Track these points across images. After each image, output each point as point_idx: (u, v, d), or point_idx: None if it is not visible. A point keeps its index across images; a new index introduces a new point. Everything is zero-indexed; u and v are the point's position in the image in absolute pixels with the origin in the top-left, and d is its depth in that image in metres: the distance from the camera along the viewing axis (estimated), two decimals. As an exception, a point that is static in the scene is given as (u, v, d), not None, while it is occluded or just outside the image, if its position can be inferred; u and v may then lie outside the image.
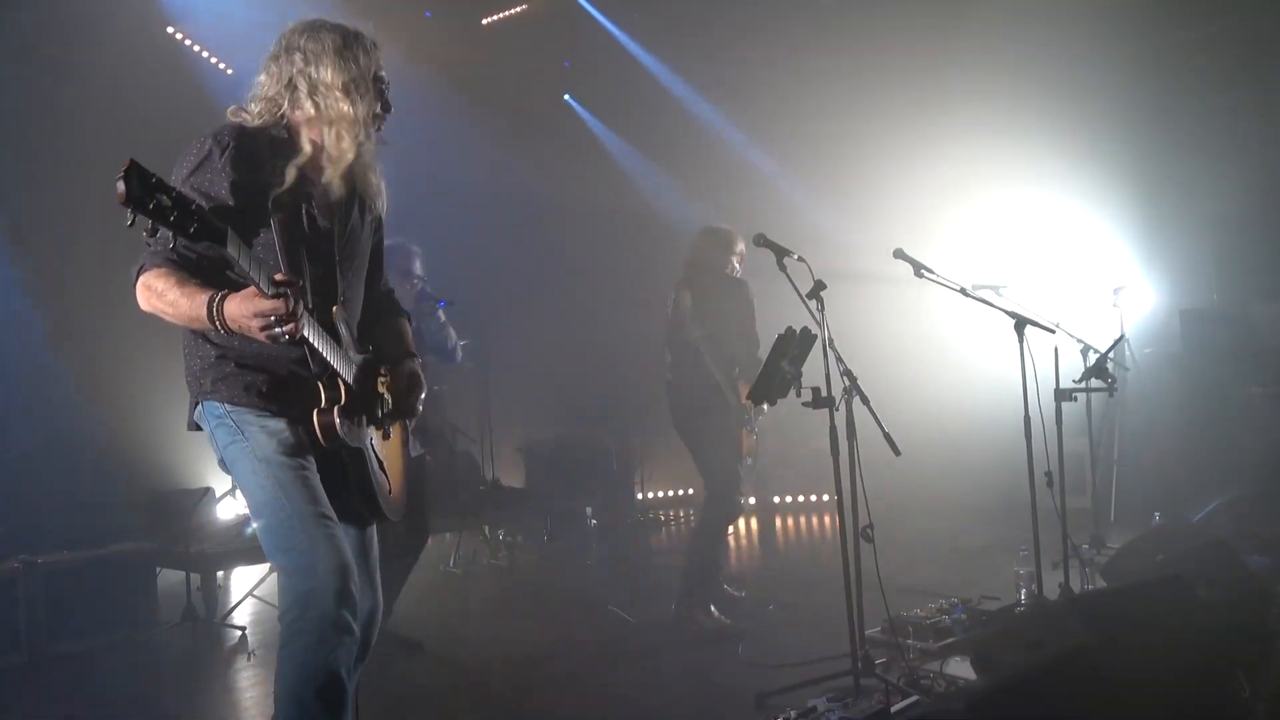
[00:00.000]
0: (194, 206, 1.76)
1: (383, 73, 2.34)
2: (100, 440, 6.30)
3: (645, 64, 8.68)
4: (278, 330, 1.95)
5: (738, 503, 4.68)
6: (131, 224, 1.70)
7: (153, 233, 1.75)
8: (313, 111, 2.24)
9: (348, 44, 2.28)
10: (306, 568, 2.09)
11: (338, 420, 2.19)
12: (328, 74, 2.24)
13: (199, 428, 2.28)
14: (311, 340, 2.11)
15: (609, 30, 8.69)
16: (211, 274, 2.08)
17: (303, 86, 2.24)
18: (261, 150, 2.20)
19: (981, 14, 6.83)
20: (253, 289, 1.95)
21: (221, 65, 7.47)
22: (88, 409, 6.36)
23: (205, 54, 7.41)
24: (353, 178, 2.32)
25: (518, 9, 8.42)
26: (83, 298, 6.41)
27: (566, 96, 9.54)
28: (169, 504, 5.46)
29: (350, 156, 2.26)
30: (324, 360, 2.16)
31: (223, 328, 1.99)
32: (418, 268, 4.57)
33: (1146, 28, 6.56)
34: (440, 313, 4.53)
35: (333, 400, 2.19)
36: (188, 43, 7.33)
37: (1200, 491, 5.47)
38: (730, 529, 4.75)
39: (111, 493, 6.04)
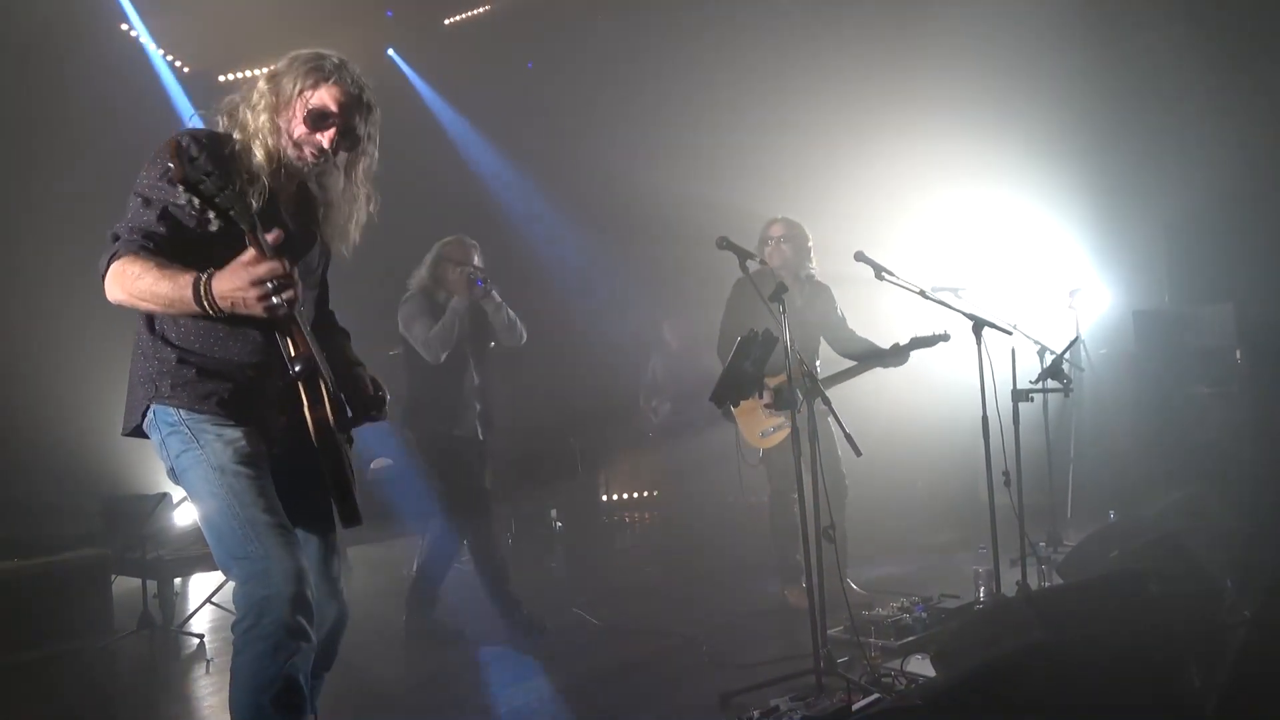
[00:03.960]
0: (228, 188, 1.88)
1: (335, 106, 2.27)
2: (53, 445, 6.17)
3: (609, 64, 8.66)
4: (277, 300, 1.94)
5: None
6: (187, 203, 1.87)
7: (201, 212, 1.87)
8: (254, 123, 2.24)
9: (318, 68, 2.27)
10: (261, 574, 2.06)
11: (331, 415, 2.14)
12: (286, 89, 2.25)
13: (142, 433, 2.23)
14: (302, 326, 2.09)
15: (573, 31, 8.67)
16: (186, 262, 2.04)
17: (260, 102, 2.25)
18: (231, 155, 2.20)
19: (939, 20, 6.92)
20: (240, 261, 1.93)
21: (178, 63, 7.36)
22: (40, 413, 6.22)
23: (160, 51, 7.29)
24: (305, 197, 2.36)
25: (480, 9, 8.38)
26: (34, 298, 6.28)
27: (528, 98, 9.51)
28: (125, 509, 5.37)
29: (308, 173, 2.29)
30: (310, 356, 2.10)
31: (211, 307, 1.96)
32: (476, 259, 4.76)
33: (1102, 34, 6.69)
34: (494, 293, 4.67)
35: (316, 399, 2.13)
36: (142, 40, 7.21)
37: (1154, 489, 5.58)
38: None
39: (65, 498, 5.93)
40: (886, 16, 7.15)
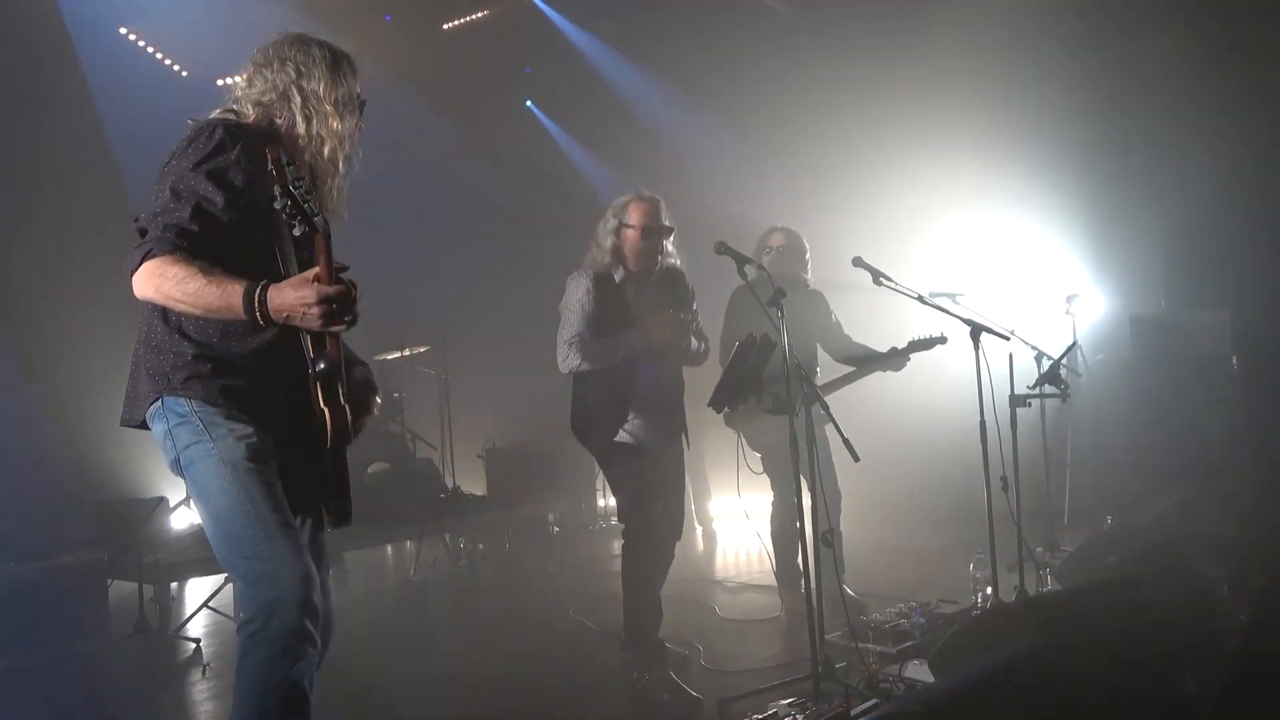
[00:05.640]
0: (310, 199, 1.94)
1: (359, 89, 2.39)
2: (49, 449, 6.17)
3: (607, 71, 8.69)
4: (338, 319, 1.97)
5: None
6: (282, 208, 1.92)
7: (293, 215, 1.92)
8: (303, 125, 2.27)
9: (338, 61, 2.34)
10: (270, 576, 2.04)
11: (349, 420, 2.14)
12: (320, 88, 2.29)
13: (143, 425, 2.20)
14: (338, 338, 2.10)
15: (570, 37, 8.70)
16: (221, 263, 2.05)
17: (296, 98, 2.27)
18: (261, 150, 2.17)
19: (938, 26, 6.95)
20: (303, 277, 1.96)
21: (176, 67, 7.36)
22: (35, 416, 6.22)
23: (159, 55, 7.30)
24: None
25: (478, 14, 8.40)
26: (30, 301, 6.28)
27: (528, 102, 9.53)
28: (121, 513, 5.35)
29: (341, 172, 2.32)
30: (335, 357, 2.09)
31: (264, 318, 1.97)
32: (665, 217, 3.86)
33: (1098, 43, 6.72)
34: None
35: (334, 402, 2.12)
36: (140, 43, 7.21)
37: (1150, 494, 5.59)
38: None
39: (61, 502, 5.92)
40: (885, 22, 7.18)
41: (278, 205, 1.92)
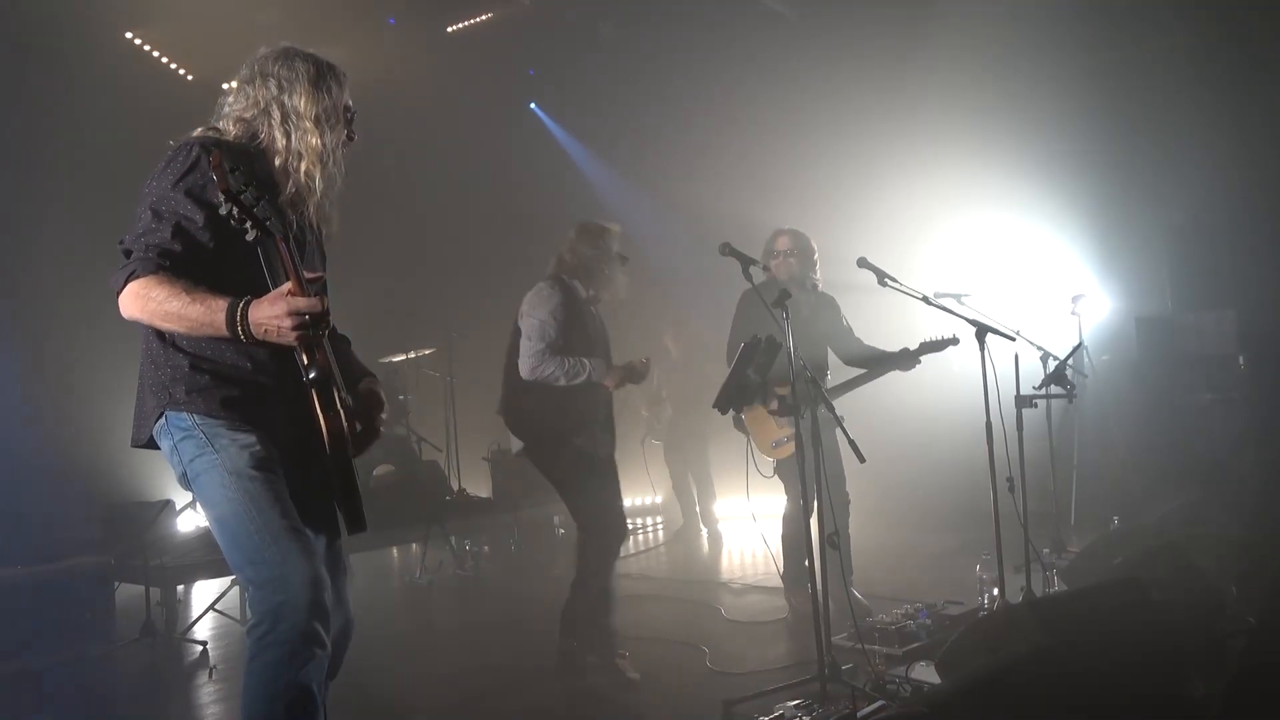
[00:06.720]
0: (260, 203, 1.92)
1: (350, 102, 2.37)
2: (55, 452, 6.17)
3: (610, 73, 8.69)
4: (312, 332, 1.98)
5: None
6: (228, 214, 1.91)
7: (240, 223, 1.91)
8: (281, 141, 2.25)
9: (321, 74, 2.31)
10: (278, 580, 2.04)
11: (345, 423, 2.13)
12: (300, 103, 2.26)
13: (153, 444, 2.21)
14: (324, 342, 2.09)
15: (574, 38, 8.70)
16: (197, 279, 2.06)
17: (276, 114, 2.26)
18: (242, 166, 2.17)
19: (946, 27, 6.96)
20: (278, 292, 1.97)
21: (181, 71, 7.39)
22: (41, 420, 6.23)
23: (164, 59, 7.32)
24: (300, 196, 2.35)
25: (482, 17, 8.40)
26: (37, 306, 6.29)
27: (531, 104, 9.54)
28: (127, 517, 5.37)
29: (319, 189, 2.28)
30: (326, 365, 2.09)
31: (245, 335, 1.99)
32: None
33: (1105, 45, 6.72)
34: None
35: (330, 407, 2.11)
36: (146, 48, 7.23)
37: (1157, 495, 5.58)
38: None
39: (68, 506, 5.93)
40: (890, 26, 7.19)
41: (222, 212, 1.92)
